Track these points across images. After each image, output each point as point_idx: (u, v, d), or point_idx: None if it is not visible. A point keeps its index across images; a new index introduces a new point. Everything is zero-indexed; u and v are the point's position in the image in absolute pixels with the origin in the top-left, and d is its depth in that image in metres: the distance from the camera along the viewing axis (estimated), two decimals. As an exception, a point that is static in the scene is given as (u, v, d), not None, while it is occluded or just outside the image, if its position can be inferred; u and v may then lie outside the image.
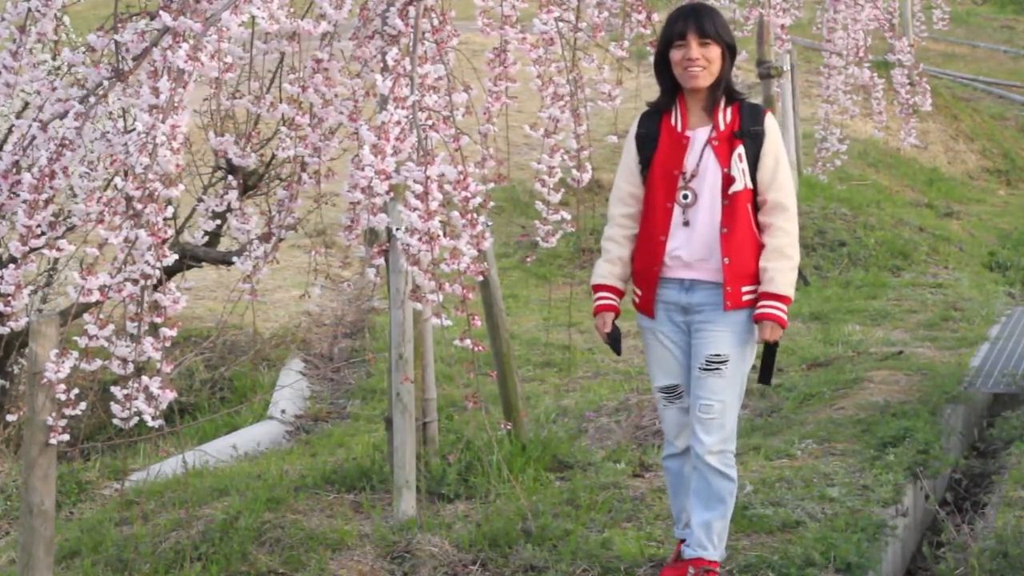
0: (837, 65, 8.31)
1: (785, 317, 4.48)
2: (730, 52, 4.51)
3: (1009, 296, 10.58)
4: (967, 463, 6.51)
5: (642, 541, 5.05)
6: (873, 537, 5.05)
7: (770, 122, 4.55)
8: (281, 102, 4.60)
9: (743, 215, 4.46)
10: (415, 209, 4.19)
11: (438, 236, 4.21)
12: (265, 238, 4.75)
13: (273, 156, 6.30)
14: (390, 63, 4.33)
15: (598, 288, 4.64)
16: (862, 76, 8.19)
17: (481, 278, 4.53)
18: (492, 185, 4.55)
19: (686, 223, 4.48)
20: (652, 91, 4.73)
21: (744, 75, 12.35)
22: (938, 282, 10.58)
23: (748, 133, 4.49)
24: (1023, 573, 4.75)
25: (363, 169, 4.20)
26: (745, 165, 4.47)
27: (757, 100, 9.37)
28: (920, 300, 9.89)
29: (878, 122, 8.37)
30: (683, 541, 4.71)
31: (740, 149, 4.47)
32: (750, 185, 4.48)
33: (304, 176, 4.69)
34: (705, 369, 4.48)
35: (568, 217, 4.75)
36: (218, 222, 5.89)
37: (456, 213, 4.31)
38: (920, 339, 8.62)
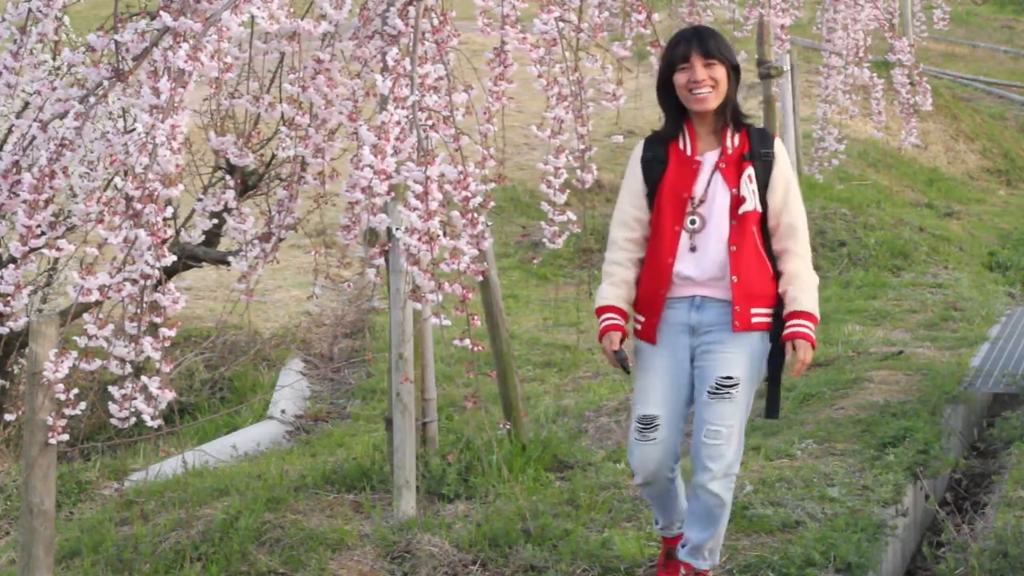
0: (837, 65, 8.30)
1: (814, 336, 4.38)
2: (735, 73, 4.46)
3: (1009, 296, 10.58)
4: (967, 463, 6.51)
5: (642, 541, 5.05)
6: (873, 537, 5.05)
7: (779, 147, 4.50)
8: (281, 102, 4.60)
9: (750, 235, 4.40)
10: (415, 209, 4.19)
11: (438, 236, 4.20)
12: (265, 238, 4.75)
13: (273, 156, 6.30)
14: (390, 63, 4.33)
15: (603, 310, 4.50)
16: (862, 76, 8.18)
17: (481, 278, 4.53)
18: (493, 185, 4.54)
19: (693, 248, 4.40)
20: (652, 91, 4.71)
21: (744, 75, 12.32)
22: (938, 282, 10.59)
23: (758, 155, 4.42)
24: (1023, 573, 4.75)
25: (363, 169, 4.20)
26: (755, 186, 4.40)
27: (757, 100, 9.38)
28: (920, 300, 9.90)
29: (878, 122, 8.36)
30: (668, 539, 4.71)
31: (750, 170, 4.41)
32: (759, 208, 4.42)
33: (307, 176, 4.69)
34: (714, 394, 4.36)
35: (574, 218, 4.72)
36: (216, 222, 5.89)
37: (456, 213, 4.31)
38: (920, 339, 8.63)
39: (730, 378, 4.36)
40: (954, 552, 5.09)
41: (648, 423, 4.44)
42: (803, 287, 4.41)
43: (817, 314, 4.42)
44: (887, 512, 5.34)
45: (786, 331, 4.39)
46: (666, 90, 4.48)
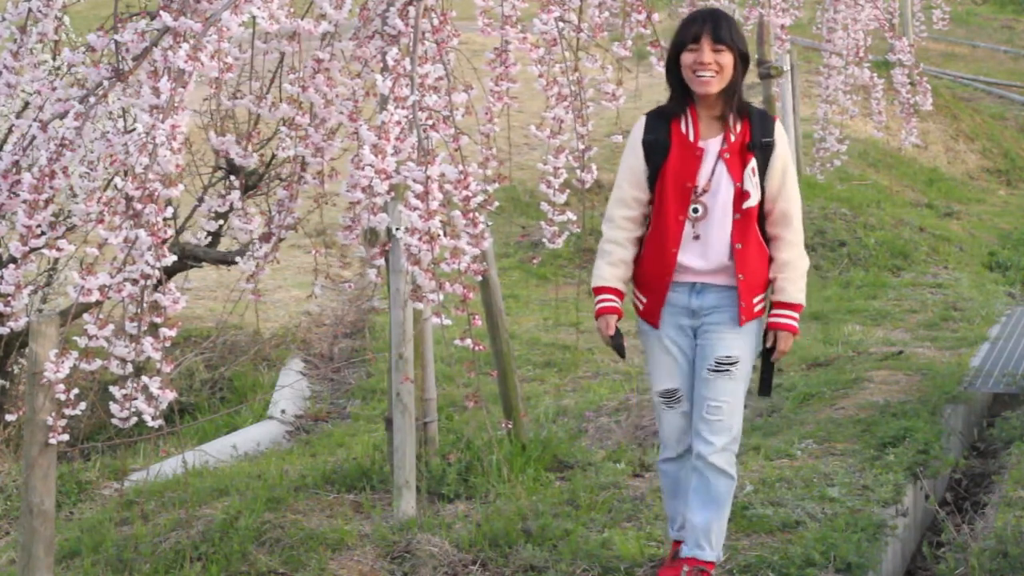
0: (837, 65, 8.31)
1: (797, 325, 4.52)
2: (743, 61, 4.45)
3: (1009, 296, 10.58)
4: (967, 463, 6.51)
5: (642, 541, 5.05)
6: (873, 537, 5.05)
7: (779, 131, 4.52)
8: (281, 102, 4.60)
9: (753, 231, 4.46)
10: (415, 209, 4.19)
11: (438, 235, 4.20)
12: (265, 238, 4.75)
13: (273, 156, 6.30)
14: (390, 63, 4.33)
15: (600, 290, 4.55)
16: (862, 76, 8.18)
17: (481, 278, 4.53)
18: (496, 185, 4.54)
19: (696, 237, 4.44)
20: (652, 91, 4.71)
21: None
22: (938, 282, 10.58)
23: (759, 144, 4.45)
24: (1023, 573, 4.75)
25: (363, 169, 4.20)
26: (757, 179, 4.44)
27: (757, 100, 9.39)
28: (920, 300, 9.89)
29: (878, 122, 8.36)
30: (678, 543, 4.71)
31: (753, 163, 4.43)
32: (760, 198, 4.47)
33: (307, 176, 4.69)
34: (714, 371, 4.46)
35: (574, 218, 4.73)
36: (220, 222, 5.89)
37: (457, 213, 4.31)
38: (920, 339, 8.62)
39: (729, 357, 4.47)
40: (954, 552, 5.09)
41: (670, 395, 4.57)
42: (792, 277, 4.50)
43: (803, 302, 4.53)
44: (887, 512, 5.33)
45: (770, 320, 4.51)
46: (674, 67, 4.49)
